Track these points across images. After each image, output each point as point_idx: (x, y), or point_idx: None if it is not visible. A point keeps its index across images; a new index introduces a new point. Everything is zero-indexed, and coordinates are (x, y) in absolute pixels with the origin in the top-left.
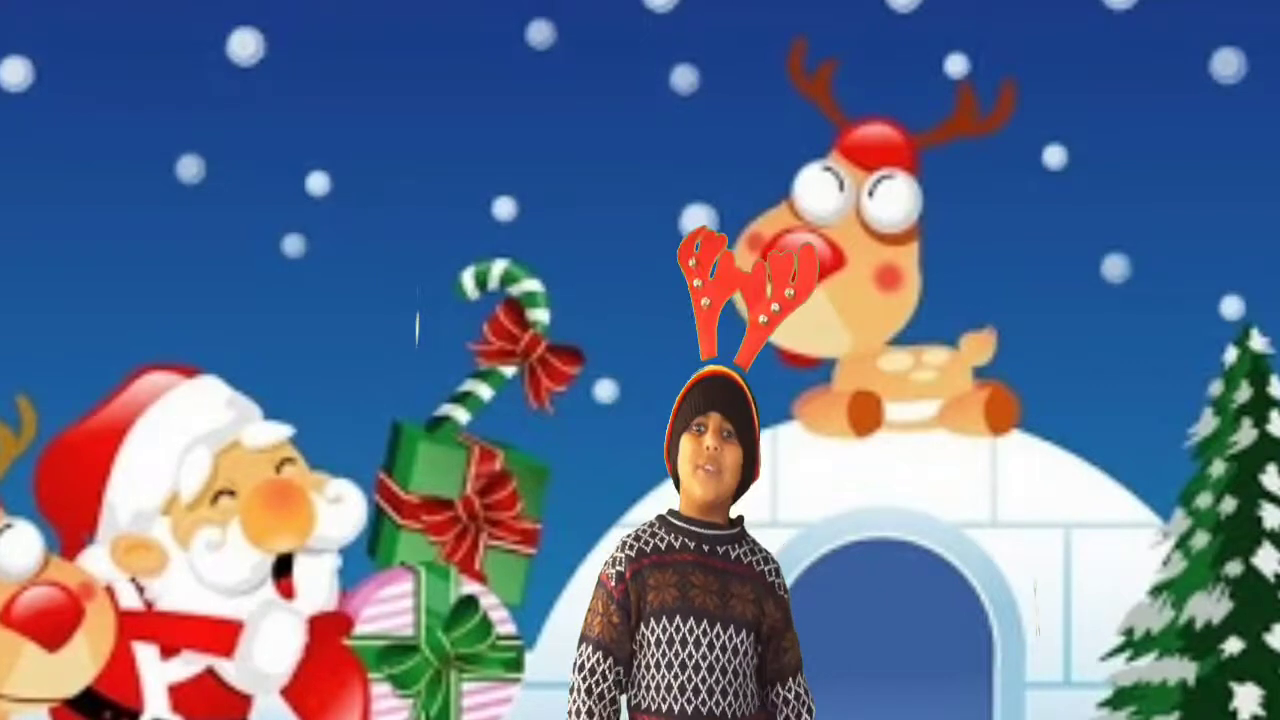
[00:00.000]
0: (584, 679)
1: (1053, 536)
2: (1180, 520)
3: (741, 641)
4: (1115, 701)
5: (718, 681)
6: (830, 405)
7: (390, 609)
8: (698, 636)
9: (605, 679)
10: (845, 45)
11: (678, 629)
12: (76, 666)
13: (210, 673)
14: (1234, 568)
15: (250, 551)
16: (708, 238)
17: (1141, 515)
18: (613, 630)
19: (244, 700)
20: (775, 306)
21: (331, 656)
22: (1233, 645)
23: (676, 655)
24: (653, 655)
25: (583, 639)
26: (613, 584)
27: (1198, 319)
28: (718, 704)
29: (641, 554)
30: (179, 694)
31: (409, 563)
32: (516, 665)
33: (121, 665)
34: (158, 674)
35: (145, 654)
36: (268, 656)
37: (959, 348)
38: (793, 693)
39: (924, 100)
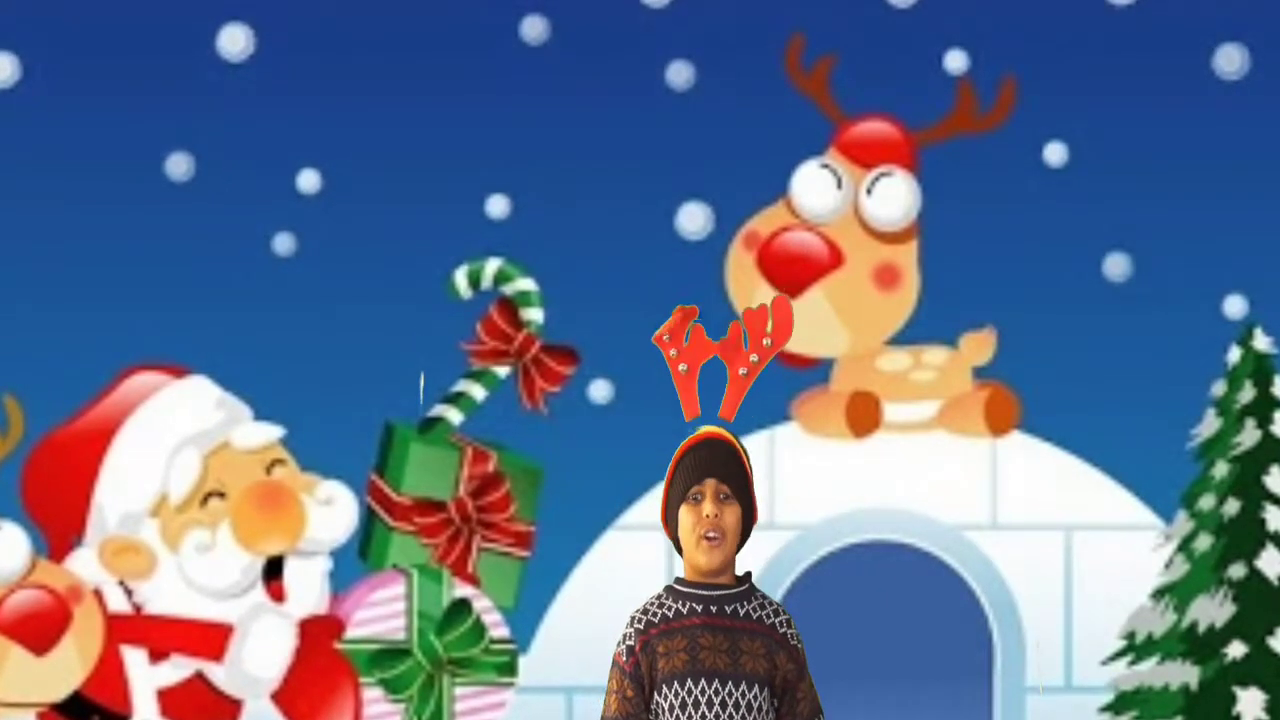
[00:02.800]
0: None
1: (1053, 539)
2: (1183, 522)
3: (755, 697)
4: (1117, 706)
5: None
6: (828, 406)
7: (382, 612)
8: (710, 697)
9: None
10: (843, 41)
11: (689, 692)
12: (64, 670)
13: (200, 677)
14: (1237, 570)
15: (240, 554)
16: (679, 315)
17: (1143, 517)
18: (628, 705)
19: (234, 705)
20: (754, 357)
21: (323, 661)
22: (1236, 649)
23: (690, 718)
24: None
25: None
26: (624, 659)
27: (1200, 318)
28: None
29: (650, 625)
30: (168, 698)
31: (401, 565)
32: (510, 669)
33: (110, 669)
34: (146, 678)
35: (134, 658)
36: (258, 660)
37: (958, 347)
38: None
39: (923, 97)
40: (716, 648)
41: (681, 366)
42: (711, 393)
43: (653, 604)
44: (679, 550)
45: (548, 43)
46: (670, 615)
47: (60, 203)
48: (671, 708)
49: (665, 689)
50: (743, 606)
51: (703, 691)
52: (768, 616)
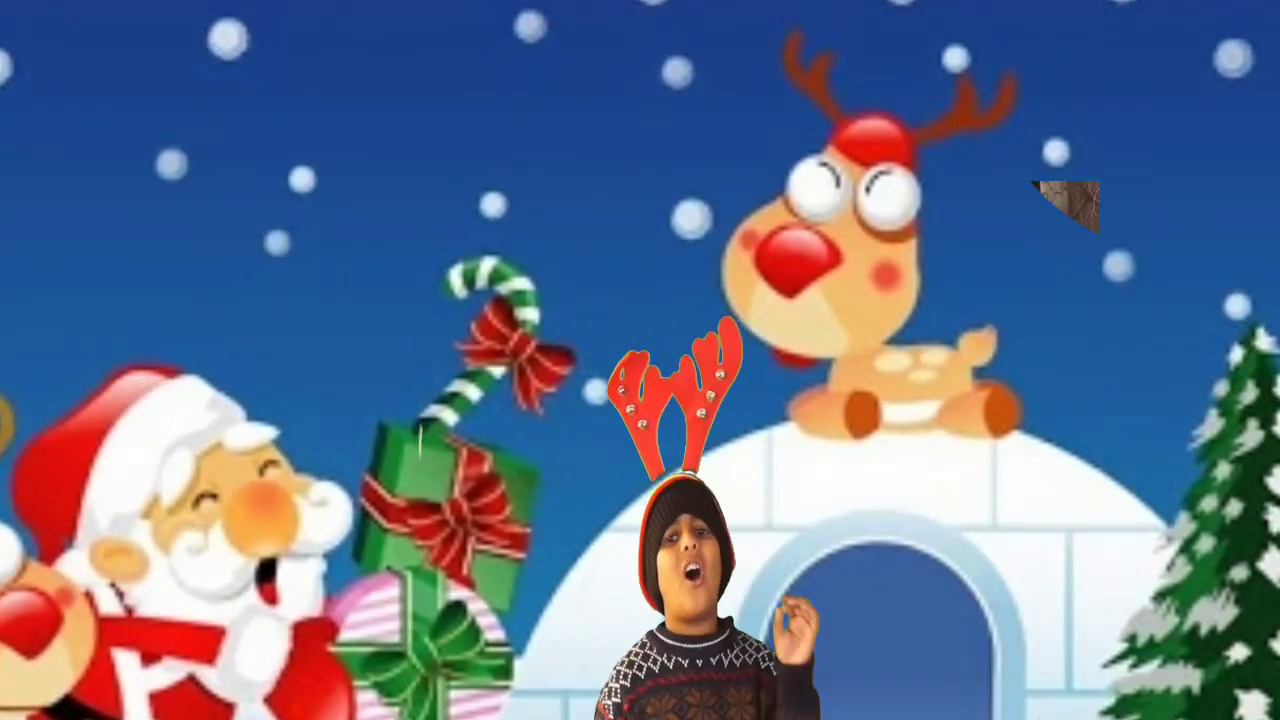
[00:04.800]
0: None
1: (1054, 540)
2: (1184, 524)
3: None
4: (1118, 709)
5: None
6: (826, 406)
7: (376, 615)
8: None
9: None
10: (842, 38)
11: None
12: (55, 674)
13: (192, 680)
14: (1240, 572)
15: (233, 556)
16: (629, 361)
17: (1145, 519)
18: None
19: (226, 708)
20: (710, 394)
21: (316, 664)
22: (1238, 652)
23: None
24: None
25: None
26: (610, 716)
27: (1202, 318)
28: None
29: (637, 681)
30: (160, 702)
31: (395, 567)
32: (505, 673)
33: (101, 672)
34: (138, 681)
35: (125, 661)
36: (251, 663)
37: (958, 347)
38: None
39: (922, 94)
40: (704, 704)
41: (641, 423)
42: (672, 431)
43: (637, 656)
44: (660, 607)
45: (543, 40)
46: (657, 671)
47: (51, 201)
48: None
49: None
50: (727, 656)
51: None
52: (750, 658)
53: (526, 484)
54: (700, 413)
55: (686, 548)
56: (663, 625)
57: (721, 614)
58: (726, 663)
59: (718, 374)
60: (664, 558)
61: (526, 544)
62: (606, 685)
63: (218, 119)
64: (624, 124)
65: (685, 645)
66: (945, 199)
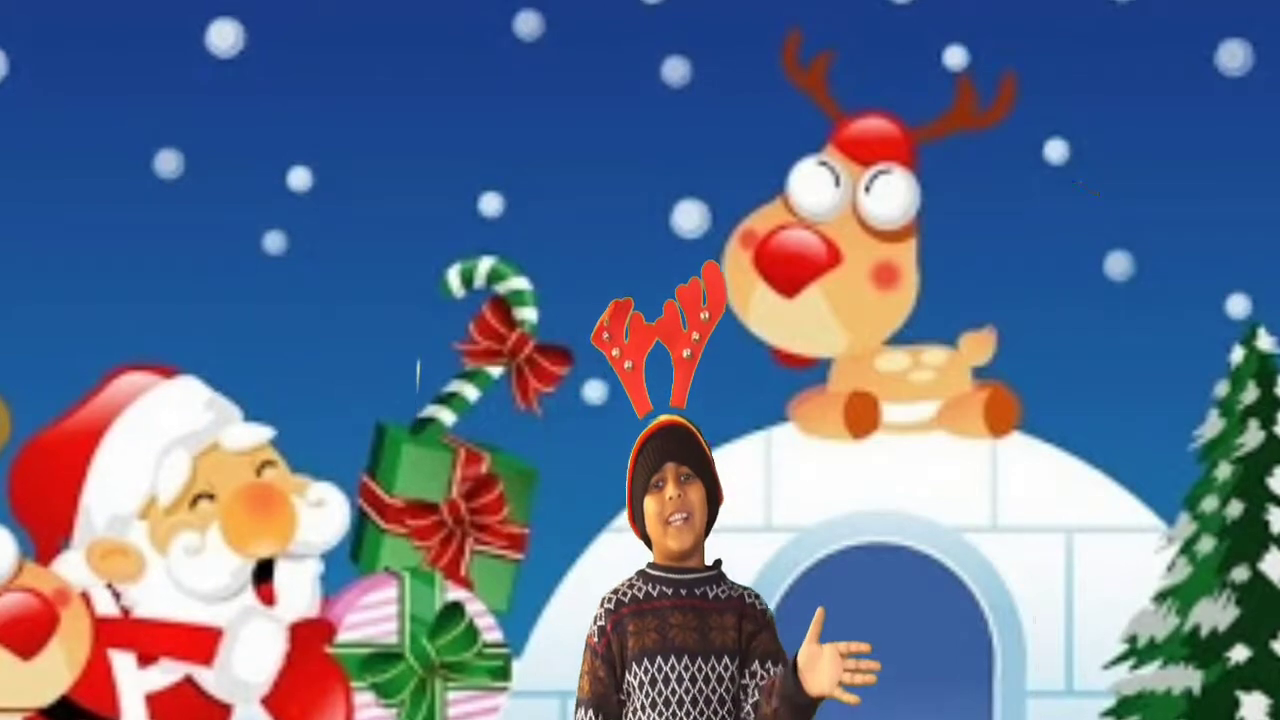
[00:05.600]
0: None
1: (1054, 541)
2: (1185, 525)
3: (725, 669)
4: (1119, 711)
5: (701, 713)
6: (826, 406)
7: (374, 616)
8: (679, 673)
9: None
10: (841, 37)
11: (659, 669)
12: (51, 675)
13: (189, 681)
14: (1240, 573)
15: (230, 557)
16: (614, 308)
17: (1145, 519)
18: (600, 685)
19: (223, 710)
20: (695, 335)
21: (313, 665)
22: (1239, 653)
23: (660, 694)
24: (638, 700)
25: (576, 705)
26: (595, 640)
27: (1203, 318)
28: None
29: (620, 604)
30: (157, 703)
31: (393, 568)
32: (503, 674)
33: (98, 674)
34: (135, 683)
35: (122, 662)
36: (248, 665)
37: (958, 347)
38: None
39: (922, 93)
40: (686, 625)
41: (627, 364)
42: (660, 378)
43: (623, 585)
44: (649, 545)
45: (542, 39)
46: (641, 597)
47: (48, 200)
48: (642, 684)
49: (636, 666)
50: (713, 589)
51: (673, 668)
52: (736, 593)
53: (525, 484)
54: (685, 353)
55: (671, 497)
56: (652, 562)
57: (712, 559)
58: (712, 595)
59: (701, 315)
60: (650, 503)
61: (525, 545)
62: (593, 616)
63: (215, 118)
64: (622, 123)
65: (671, 576)
66: (945, 198)
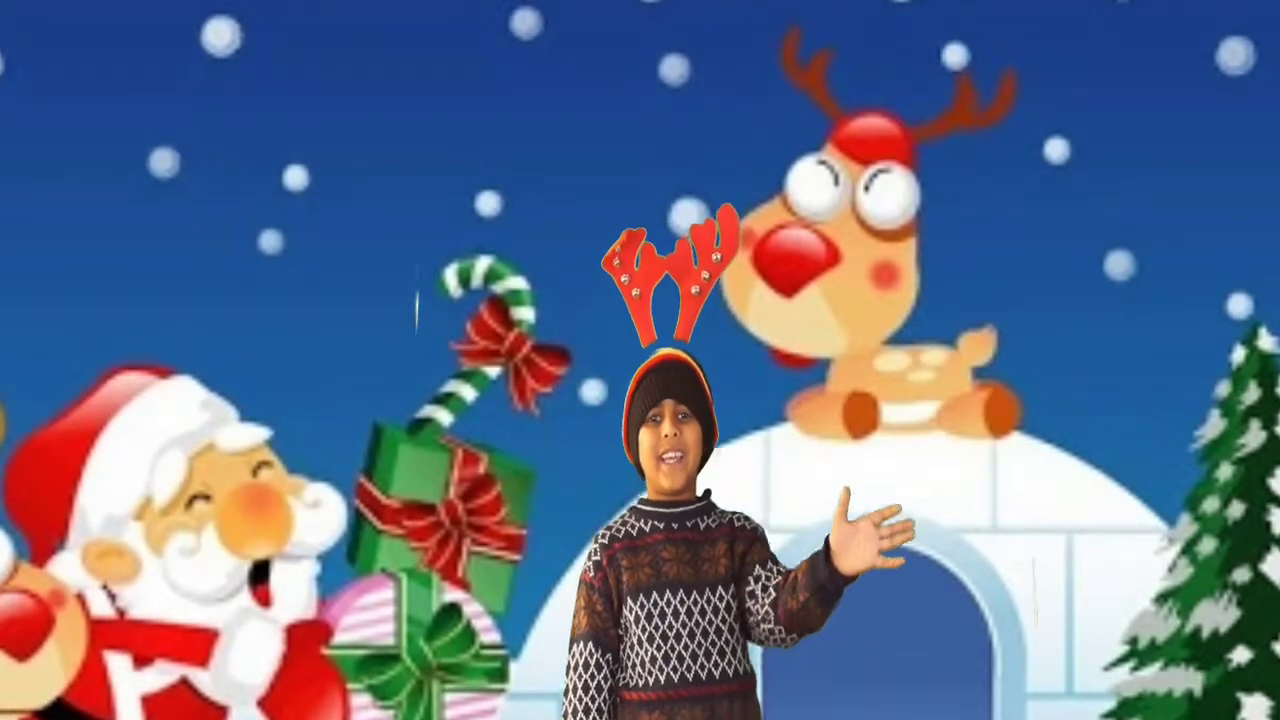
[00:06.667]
0: (577, 676)
1: (1054, 542)
2: (1186, 525)
3: (720, 599)
4: (1119, 713)
5: (700, 645)
6: (825, 407)
7: (370, 617)
8: (675, 607)
9: (599, 671)
10: (840, 35)
11: (654, 603)
12: (47, 677)
13: (185, 683)
14: (1242, 574)
15: (226, 558)
16: (626, 237)
17: (1146, 520)
18: (597, 619)
19: (219, 711)
20: (705, 274)
21: (310, 666)
22: (1241, 655)
23: (656, 628)
24: (634, 635)
25: (571, 641)
26: (591, 575)
27: (1204, 318)
28: (702, 667)
29: (614, 539)
30: (152, 705)
31: (390, 569)
32: (501, 675)
33: (93, 675)
34: (130, 684)
35: (117, 664)
36: (244, 666)
37: (958, 347)
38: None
39: (922, 92)
40: (679, 559)
41: (635, 291)
42: (666, 315)
43: (616, 522)
44: (640, 473)
45: (539, 37)
46: (634, 534)
47: (43, 199)
48: (638, 619)
49: (631, 601)
50: (703, 520)
51: (668, 603)
52: (725, 519)
53: (522, 485)
54: (694, 289)
55: (667, 435)
56: (643, 498)
57: (701, 490)
58: (703, 525)
59: (714, 256)
60: (645, 436)
61: (522, 546)
62: (588, 550)
63: (211, 117)
64: (620, 122)
65: (662, 510)
66: (945, 198)
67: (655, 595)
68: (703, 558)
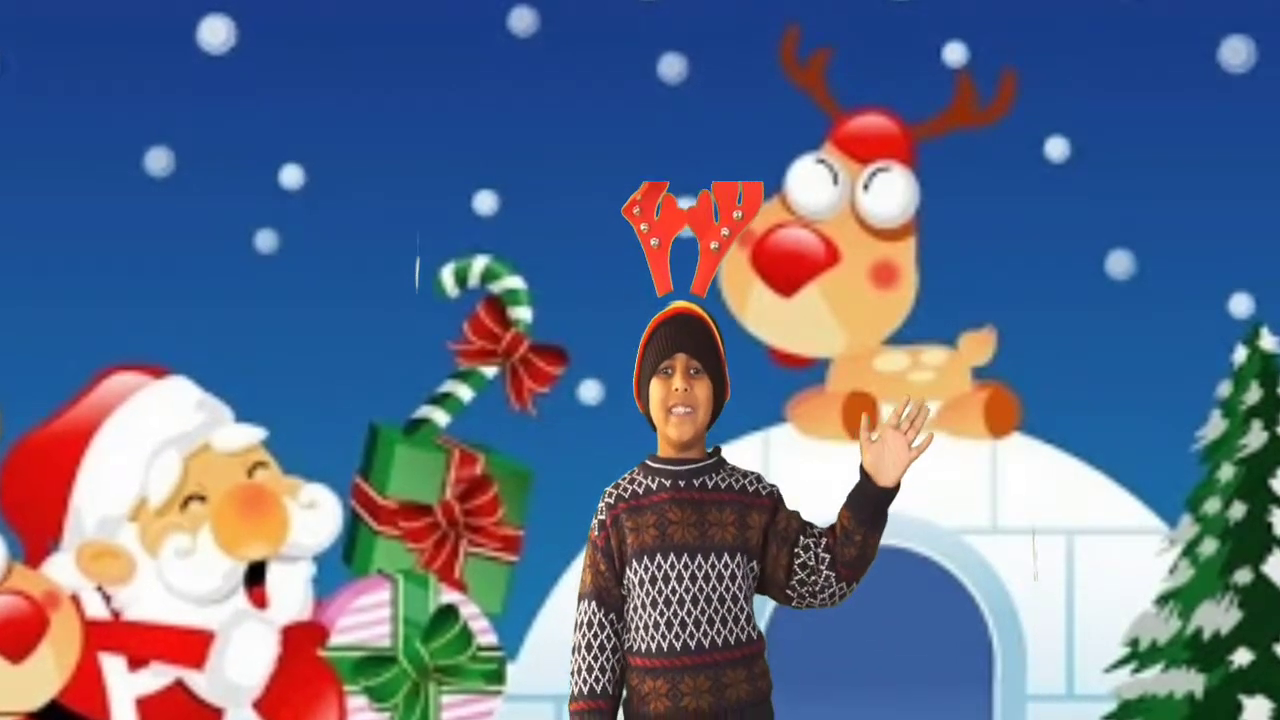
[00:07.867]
0: (580, 635)
1: (1055, 543)
2: (1187, 526)
3: (725, 566)
4: (1120, 714)
5: (703, 612)
6: (824, 407)
7: (367, 619)
8: (679, 571)
9: (602, 629)
10: (839, 33)
11: (659, 566)
12: (41, 678)
13: (180, 685)
14: (1243, 576)
15: (221, 559)
16: (647, 187)
17: (1147, 521)
18: (601, 578)
19: (215, 713)
20: (725, 231)
21: (306, 668)
22: (1242, 656)
23: (660, 592)
24: (638, 597)
25: (579, 599)
26: (596, 534)
27: (1205, 317)
28: (705, 634)
29: (620, 499)
30: (147, 707)
31: (386, 570)
32: (498, 677)
33: (88, 677)
34: (125, 686)
35: (112, 665)
36: (239, 668)
37: (958, 347)
38: (814, 535)
39: (921, 90)
40: (684, 522)
41: (653, 241)
42: (684, 269)
43: (623, 480)
44: (651, 425)
45: (536, 35)
46: (640, 492)
47: (37, 198)
48: (642, 582)
49: (635, 564)
50: (711, 478)
51: (672, 566)
52: (737, 482)
53: (519, 486)
54: (713, 245)
55: (677, 389)
56: (652, 454)
57: (711, 447)
58: (711, 485)
59: (735, 214)
60: (656, 388)
61: (519, 546)
62: (596, 507)
63: (206, 115)
64: (618, 120)
65: (669, 468)
66: (944, 197)
67: (660, 558)
68: (710, 521)
